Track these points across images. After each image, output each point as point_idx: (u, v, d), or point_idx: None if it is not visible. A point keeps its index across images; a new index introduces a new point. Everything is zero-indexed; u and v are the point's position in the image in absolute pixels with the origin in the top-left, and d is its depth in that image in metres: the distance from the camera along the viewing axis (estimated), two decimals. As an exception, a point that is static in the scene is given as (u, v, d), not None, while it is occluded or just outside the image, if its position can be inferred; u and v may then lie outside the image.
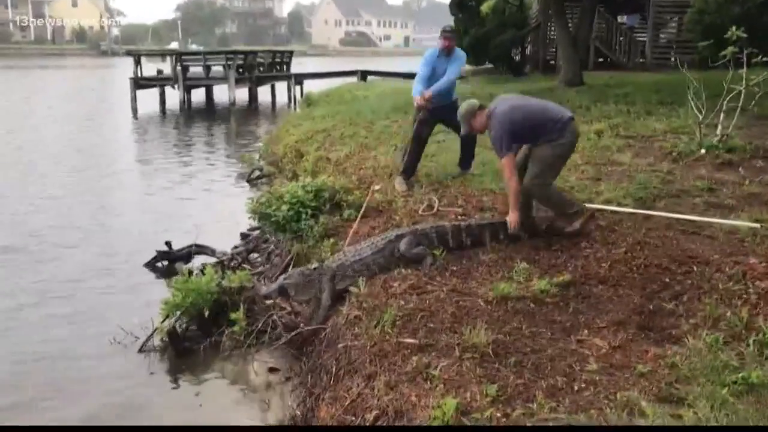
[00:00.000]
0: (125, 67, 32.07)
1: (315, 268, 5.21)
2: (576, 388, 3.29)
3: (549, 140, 5.05)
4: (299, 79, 28.09)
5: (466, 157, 7.46)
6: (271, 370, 5.28)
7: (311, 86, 25.29)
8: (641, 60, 21.70)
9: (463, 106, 5.46)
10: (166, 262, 8.00)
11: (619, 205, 5.99)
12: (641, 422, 2.88)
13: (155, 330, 5.87)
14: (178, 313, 5.94)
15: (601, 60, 22.90)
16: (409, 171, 7.34)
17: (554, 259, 4.98)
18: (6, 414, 4.91)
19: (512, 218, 5.19)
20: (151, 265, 7.95)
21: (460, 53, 7.16)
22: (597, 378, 3.36)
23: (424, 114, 7.03)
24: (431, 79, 6.96)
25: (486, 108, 5.29)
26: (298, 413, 4.36)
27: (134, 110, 25.18)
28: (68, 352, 5.85)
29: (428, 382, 3.42)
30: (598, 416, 2.97)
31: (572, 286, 4.53)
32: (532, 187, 5.14)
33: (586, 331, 3.92)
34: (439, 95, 6.91)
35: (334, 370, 4.12)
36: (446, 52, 7.00)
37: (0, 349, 5.90)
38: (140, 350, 5.77)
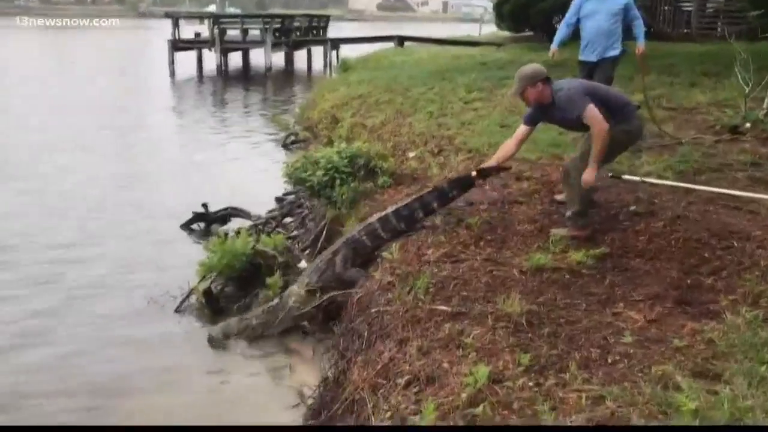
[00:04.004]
0: (163, 29, 32.21)
1: None
2: (610, 360, 3.26)
3: (616, 121, 4.57)
4: (336, 44, 27.85)
5: None
6: (304, 332, 5.35)
7: (348, 51, 25.13)
8: (686, 30, 21.08)
9: (529, 67, 4.70)
10: (202, 224, 8.12)
11: (659, 177, 5.87)
12: (676, 396, 2.84)
13: (191, 290, 5.98)
14: (214, 274, 6.04)
15: (644, 30, 22.31)
16: None
17: (591, 231, 4.91)
18: (38, 372, 5.07)
19: (590, 175, 4.55)
20: (187, 226, 8.07)
21: None
22: (632, 351, 3.31)
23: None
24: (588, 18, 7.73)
25: (552, 83, 4.67)
26: (330, 375, 4.41)
27: (172, 72, 25.40)
28: (105, 312, 6.00)
29: (460, 350, 3.41)
30: (632, 389, 2.94)
31: (609, 258, 4.46)
32: (573, 167, 4.73)
33: (621, 304, 3.87)
34: None
35: (366, 334, 4.13)
36: None
37: (35, 305, 6.07)
38: (177, 310, 5.90)
